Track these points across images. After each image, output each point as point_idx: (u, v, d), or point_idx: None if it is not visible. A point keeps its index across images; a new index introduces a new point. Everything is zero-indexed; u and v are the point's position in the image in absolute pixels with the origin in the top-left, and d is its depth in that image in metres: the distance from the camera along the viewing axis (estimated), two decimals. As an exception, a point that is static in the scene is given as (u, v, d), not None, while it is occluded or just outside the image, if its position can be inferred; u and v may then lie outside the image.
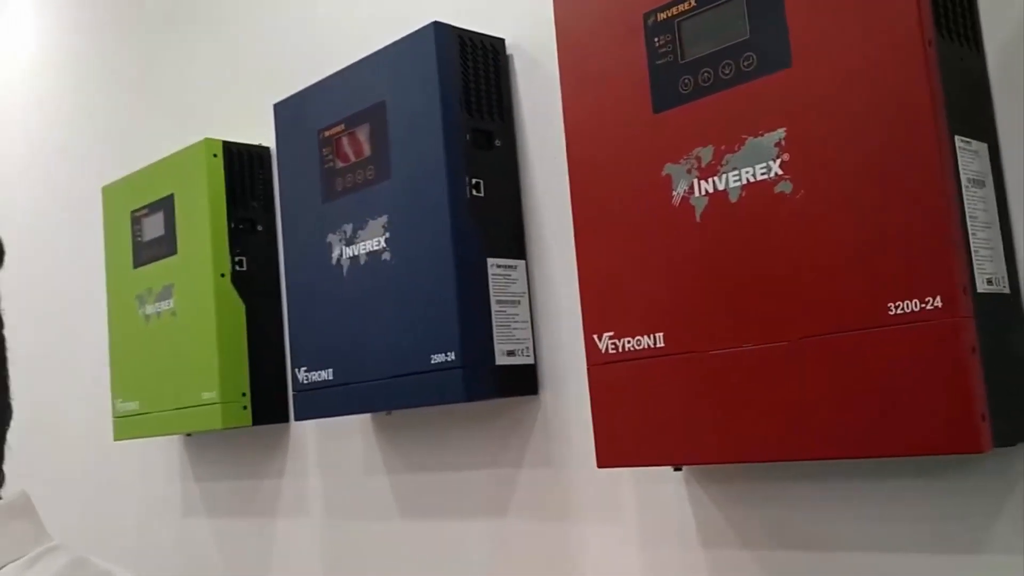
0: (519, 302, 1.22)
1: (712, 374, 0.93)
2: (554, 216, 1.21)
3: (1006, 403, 0.82)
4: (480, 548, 1.29)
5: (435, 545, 1.35)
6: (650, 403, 0.97)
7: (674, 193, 0.96)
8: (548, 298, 1.22)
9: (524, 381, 1.22)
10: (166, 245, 1.59)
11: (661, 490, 1.11)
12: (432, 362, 1.18)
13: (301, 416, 1.37)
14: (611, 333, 1.01)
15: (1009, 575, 0.86)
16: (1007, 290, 0.85)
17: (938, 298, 0.80)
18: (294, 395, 1.37)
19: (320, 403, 1.34)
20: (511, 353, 1.20)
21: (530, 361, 1.22)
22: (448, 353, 1.16)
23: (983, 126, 0.87)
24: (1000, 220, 0.86)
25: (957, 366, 0.78)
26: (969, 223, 0.82)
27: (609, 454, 1.01)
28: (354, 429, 1.46)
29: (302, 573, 1.55)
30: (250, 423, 1.52)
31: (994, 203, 0.86)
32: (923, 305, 0.80)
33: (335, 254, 1.30)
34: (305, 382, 1.35)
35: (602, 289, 1.02)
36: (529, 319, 1.23)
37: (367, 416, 1.44)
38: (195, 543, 1.74)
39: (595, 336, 1.02)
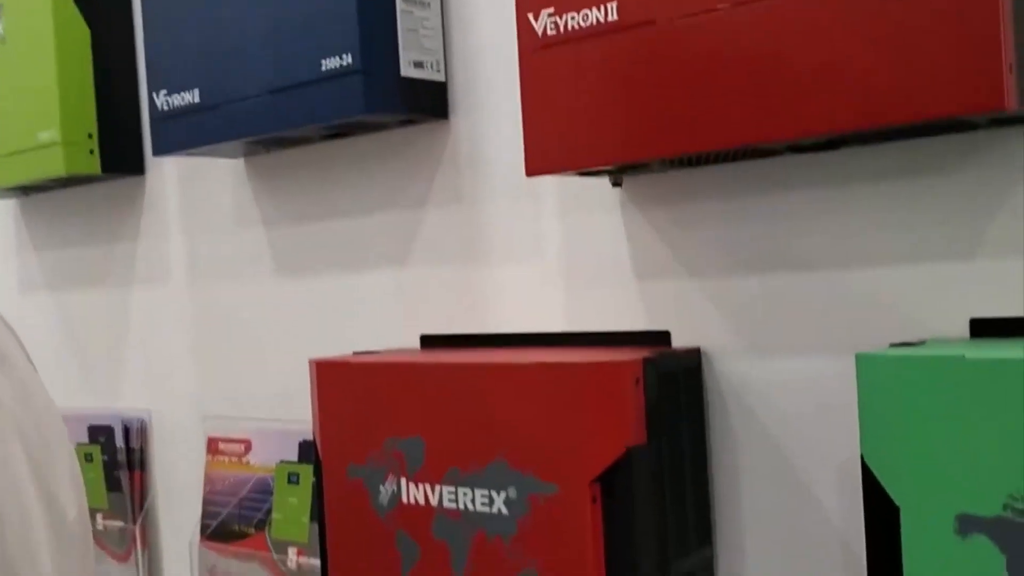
0: (429, 4, 1.03)
1: (678, 48, 0.77)
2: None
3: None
4: (376, 302, 1.13)
5: (322, 304, 1.18)
6: (595, 93, 0.81)
7: None
8: (463, 4, 1.04)
9: (433, 101, 1.04)
10: (-10, -45, 1.32)
11: (591, 220, 0.96)
12: (324, 68, 0.99)
13: (161, 150, 1.16)
14: (551, 9, 0.83)
15: (1003, 281, 0.75)
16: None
17: (970, -74, 0.65)
18: (152, 124, 1.15)
19: (184, 132, 1.12)
20: (419, 65, 1.02)
21: (440, 78, 1.04)
22: (344, 56, 0.97)
23: None
24: None
25: (987, 5, 0.65)
26: None
27: (541, 159, 0.85)
28: (223, 175, 1.26)
29: (164, 347, 1.36)
30: (98, 170, 1.30)
31: None
32: (949, -62, 0.66)
33: (203, -56, 1.08)
34: (165, 108, 1.13)
35: (542, -47, 0.84)
36: (440, 28, 1.04)
37: (239, 160, 1.24)
38: (36, 321, 1.52)
39: (530, 15, 0.84)
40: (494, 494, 0.86)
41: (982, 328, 0.76)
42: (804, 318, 0.84)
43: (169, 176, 1.32)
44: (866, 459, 0.69)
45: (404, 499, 0.92)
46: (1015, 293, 0.75)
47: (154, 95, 1.14)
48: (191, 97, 1.10)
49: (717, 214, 0.88)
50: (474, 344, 1.05)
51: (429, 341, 1.09)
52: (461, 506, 0.88)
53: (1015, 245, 0.75)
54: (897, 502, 0.68)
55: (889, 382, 0.68)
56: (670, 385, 0.86)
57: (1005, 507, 0.64)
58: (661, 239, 0.92)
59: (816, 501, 0.84)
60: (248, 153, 1.21)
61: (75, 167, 1.27)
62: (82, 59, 1.28)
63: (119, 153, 1.31)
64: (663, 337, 0.93)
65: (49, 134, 1.26)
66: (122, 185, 1.37)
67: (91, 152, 1.29)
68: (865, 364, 0.70)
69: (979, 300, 0.76)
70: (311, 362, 1.00)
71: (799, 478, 0.85)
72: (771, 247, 0.86)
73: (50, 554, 0.51)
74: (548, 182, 0.98)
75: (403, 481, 0.92)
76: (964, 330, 0.77)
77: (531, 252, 1.01)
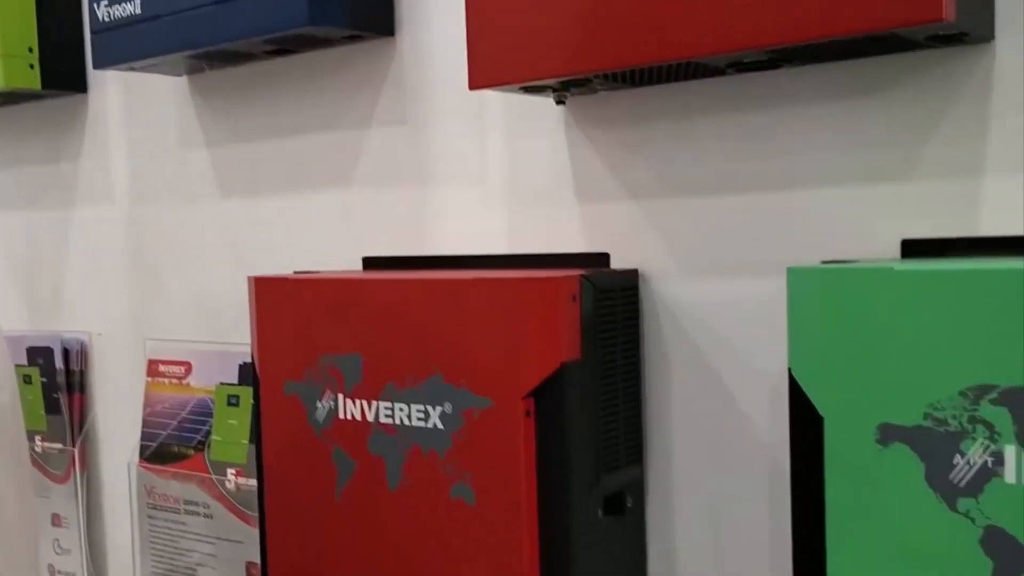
0: (377, -83, 1.01)
1: (620, -41, 0.76)
2: None
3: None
4: (319, 224, 1.12)
5: (265, 226, 1.17)
6: (540, 5, 0.81)
7: None
8: (411, -80, 1.02)
9: (379, 16, 1.02)
10: None
11: (535, 141, 0.96)
12: (267, -22, 0.97)
13: (101, 63, 1.13)
14: (496, -82, 0.82)
15: (936, 203, 0.76)
16: None
17: None
18: (92, 37, 1.13)
19: (125, 44, 1.10)
20: (364, -21, 1.00)
21: (387, -7, 1.03)
22: (288, -35, 0.95)
23: None
24: None
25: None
26: None
27: (484, 72, 0.85)
28: (166, 94, 1.24)
29: (105, 268, 1.34)
30: (38, 86, 1.27)
31: None
32: None
33: None
34: (106, 19, 1.11)
35: None
36: (387, -59, 1.03)
37: (182, 78, 1.22)
38: (-27, 242, 1.49)
39: (476, -76, 0.83)
40: (430, 409, 0.86)
41: (914, 249, 0.77)
42: (740, 240, 0.85)
43: (112, 94, 1.30)
44: (793, 371, 0.70)
45: (341, 415, 0.92)
46: (947, 215, 0.76)
47: (95, 5, 1.11)
48: (132, 8, 1.08)
49: (659, 136, 0.88)
50: (416, 266, 1.04)
51: (371, 263, 1.08)
52: (397, 421, 0.88)
53: (948, 166, 0.75)
54: (821, 412, 0.69)
55: (818, 295, 0.69)
56: (606, 303, 0.86)
57: (925, 416, 0.65)
58: (603, 161, 0.92)
59: (747, 421, 0.85)
60: (191, 70, 1.18)
61: (14, 81, 1.24)
62: (22, -31, 1.24)
63: (60, 69, 1.28)
64: (602, 259, 0.93)
65: (-13, 47, 1.23)
66: (63, 103, 1.34)
67: (31, 67, 1.26)
68: (795, 277, 0.71)
69: (912, 221, 0.77)
70: (249, 278, 0.99)
71: (731, 398, 0.86)
72: (711, 169, 0.86)
73: None
74: (493, 102, 0.97)
75: (340, 397, 0.92)
76: (896, 251, 0.78)
77: (475, 174, 1.00)
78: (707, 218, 0.86)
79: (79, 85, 1.31)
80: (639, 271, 0.90)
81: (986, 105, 0.74)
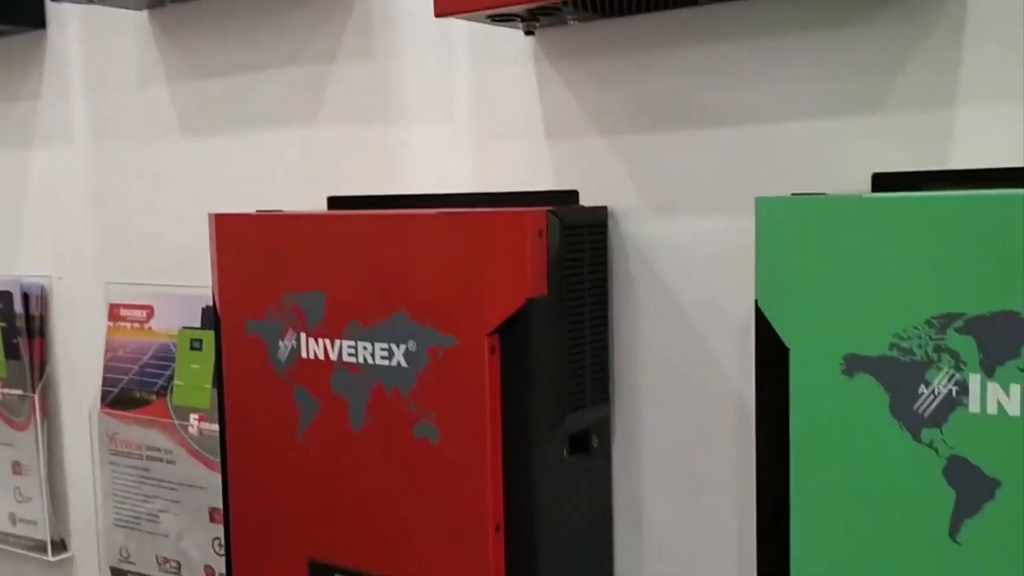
0: None
1: None
2: None
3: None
4: (283, 162, 1.10)
5: (228, 163, 1.14)
6: (506, -71, 0.78)
7: None
8: None
9: (344, -53, 1.00)
10: None
11: (503, 75, 0.94)
12: (228, -96, 0.94)
13: (58, -5, 1.10)
14: None
15: (907, 136, 0.75)
16: None
17: None
18: (48, -32, 1.10)
19: (82, -25, 1.07)
20: (329, -93, 0.97)
21: (352, -76, 1.00)
22: None
23: None
24: None
25: None
26: None
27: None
28: (127, 29, 1.20)
29: (66, 210, 1.31)
30: (-7, 23, 1.23)
31: None
32: None
33: None
34: (62, -51, 1.07)
35: None
36: None
37: (142, 12, 1.18)
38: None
39: None
40: (393, 347, 0.85)
41: (885, 182, 0.76)
42: (711, 175, 0.83)
43: (71, 31, 1.26)
44: (760, 304, 0.69)
45: (303, 354, 0.90)
46: (918, 147, 0.74)
47: (50, -65, 1.08)
48: (89, -64, 1.04)
49: (630, 68, 0.86)
50: (383, 205, 1.02)
51: (337, 203, 1.06)
52: (360, 360, 0.87)
53: (920, 99, 0.74)
54: (787, 343, 0.68)
55: (786, 225, 0.68)
56: (574, 240, 0.85)
57: (891, 346, 0.64)
58: (573, 95, 0.90)
59: (715, 360, 0.84)
60: (152, 4, 1.15)
61: (-32, 15, 1.20)
62: (-25, -102, 1.20)
63: (18, 3, 1.24)
64: (571, 196, 0.91)
65: (-61, -22, 1.19)
66: (21, 40, 1.31)
67: (-15, 1, 1.22)
68: (764, 207, 0.69)
69: (883, 155, 0.76)
70: (210, 215, 0.97)
71: (700, 337, 0.85)
72: (682, 102, 0.84)
73: None
74: (461, 34, 0.95)
75: (303, 336, 0.90)
76: (867, 185, 0.77)
77: (443, 109, 0.98)
78: (677, 153, 0.85)
79: (37, 20, 1.27)
80: (608, 208, 0.89)
81: (959, 36, 0.72)
